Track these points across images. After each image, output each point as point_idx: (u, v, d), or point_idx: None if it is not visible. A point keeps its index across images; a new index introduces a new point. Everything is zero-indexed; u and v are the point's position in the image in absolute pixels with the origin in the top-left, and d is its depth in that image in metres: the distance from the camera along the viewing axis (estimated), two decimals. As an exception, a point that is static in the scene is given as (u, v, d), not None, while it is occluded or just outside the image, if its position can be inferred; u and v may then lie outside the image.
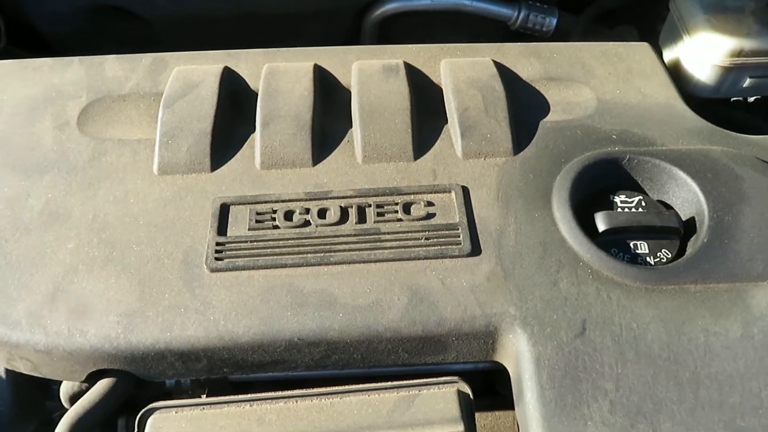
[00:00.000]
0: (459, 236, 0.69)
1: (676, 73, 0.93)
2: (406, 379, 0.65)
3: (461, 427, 0.61)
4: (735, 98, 1.05)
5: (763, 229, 0.68)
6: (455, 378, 0.65)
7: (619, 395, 0.60)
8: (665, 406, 0.60)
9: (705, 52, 0.87)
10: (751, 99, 1.04)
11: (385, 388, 0.64)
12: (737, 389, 0.61)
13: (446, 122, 0.80)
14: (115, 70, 0.86)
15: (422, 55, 0.89)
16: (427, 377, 0.66)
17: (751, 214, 0.69)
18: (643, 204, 0.73)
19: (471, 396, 0.64)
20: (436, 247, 0.68)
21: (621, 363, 0.62)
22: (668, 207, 0.74)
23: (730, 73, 0.87)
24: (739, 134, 0.79)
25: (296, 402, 0.63)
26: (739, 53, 0.85)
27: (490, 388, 0.81)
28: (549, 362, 0.62)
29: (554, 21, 1.11)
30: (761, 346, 0.63)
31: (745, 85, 0.89)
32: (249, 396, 0.64)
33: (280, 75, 0.83)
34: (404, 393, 0.64)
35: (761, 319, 0.64)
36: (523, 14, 1.11)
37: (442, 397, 0.63)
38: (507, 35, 1.21)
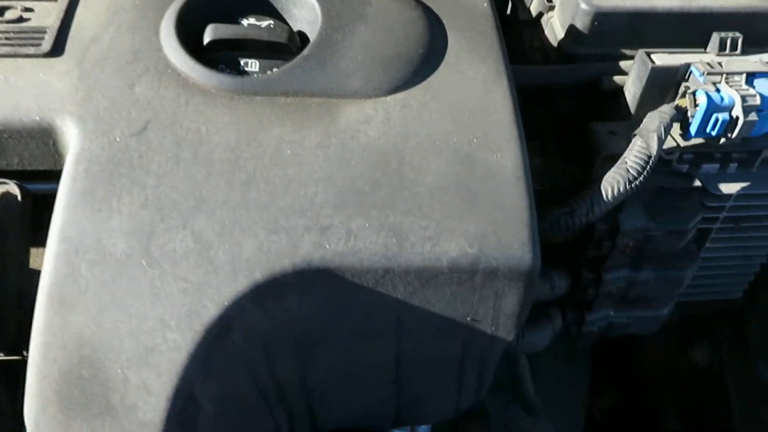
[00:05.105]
0: (42, 38, 0.63)
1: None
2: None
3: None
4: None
5: (370, 47, 0.65)
6: (7, 180, 0.60)
7: (159, 191, 0.56)
8: (207, 204, 0.56)
9: None
10: None
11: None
12: (292, 193, 0.57)
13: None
14: None
15: None
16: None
17: (363, 33, 0.66)
18: (271, 27, 0.69)
19: (19, 197, 0.59)
20: (12, 48, 0.63)
21: (173, 162, 0.57)
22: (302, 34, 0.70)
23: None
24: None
25: None
26: None
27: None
28: (90, 157, 0.57)
29: None
30: (333, 155, 0.59)
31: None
32: None
33: None
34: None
35: (343, 132, 0.61)
36: None
37: (-20, 195, 0.58)
38: None
